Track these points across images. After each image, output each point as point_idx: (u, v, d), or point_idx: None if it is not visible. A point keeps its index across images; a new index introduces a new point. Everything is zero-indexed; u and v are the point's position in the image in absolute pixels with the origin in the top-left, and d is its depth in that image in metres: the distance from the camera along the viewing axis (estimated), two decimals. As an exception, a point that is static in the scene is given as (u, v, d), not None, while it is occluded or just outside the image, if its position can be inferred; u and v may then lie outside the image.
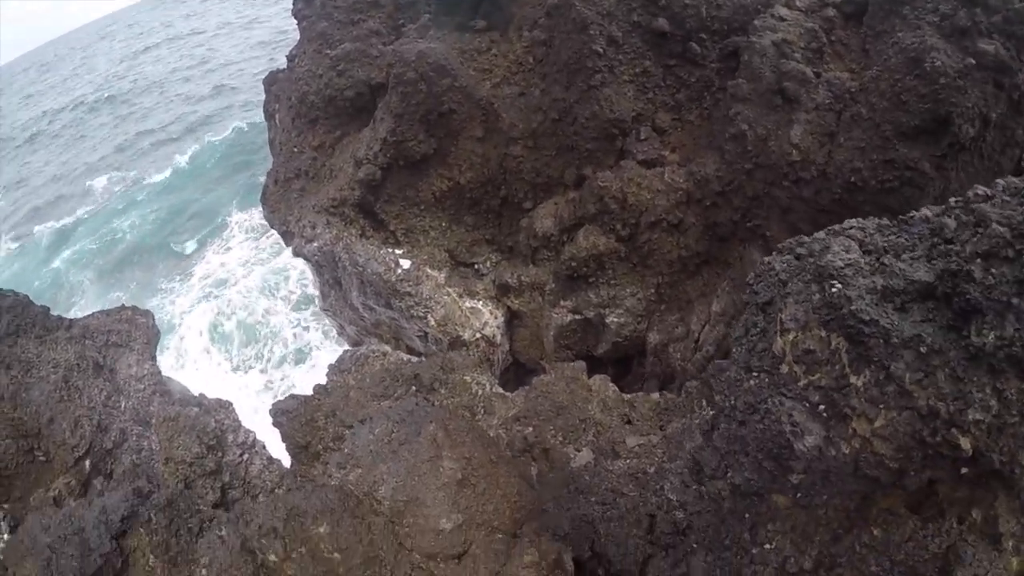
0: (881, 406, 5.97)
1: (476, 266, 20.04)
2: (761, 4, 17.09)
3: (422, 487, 8.37)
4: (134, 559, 8.71)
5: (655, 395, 13.93)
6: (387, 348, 14.20)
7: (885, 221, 7.57)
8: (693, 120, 17.87)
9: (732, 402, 7.75)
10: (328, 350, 28.95)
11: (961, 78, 13.93)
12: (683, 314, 18.26)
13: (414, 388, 11.54)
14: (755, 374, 7.44)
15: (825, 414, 6.56)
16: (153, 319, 15.60)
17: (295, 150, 21.60)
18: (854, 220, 7.75)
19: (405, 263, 18.71)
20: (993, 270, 5.71)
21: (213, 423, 12.50)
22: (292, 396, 12.29)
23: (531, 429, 11.04)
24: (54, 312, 14.70)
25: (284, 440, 12.06)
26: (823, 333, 6.59)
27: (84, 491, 11.98)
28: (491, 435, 11.13)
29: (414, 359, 13.77)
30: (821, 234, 7.68)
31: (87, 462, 12.19)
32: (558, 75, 17.73)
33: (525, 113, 18.32)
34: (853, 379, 6.26)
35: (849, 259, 6.80)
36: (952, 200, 6.83)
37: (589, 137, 17.74)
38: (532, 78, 18.47)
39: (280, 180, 21.86)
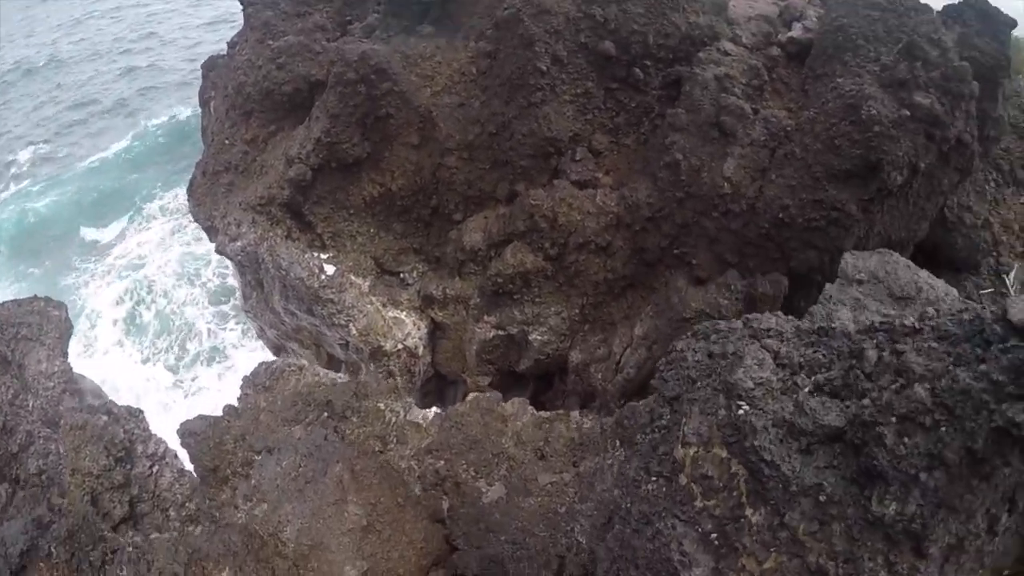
0: (772, 550, 5.87)
1: (402, 275, 19.76)
2: (708, 37, 17.22)
3: (327, 531, 8.18)
4: None
5: (574, 415, 13.96)
6: (304, 363, 13.82)
7: (805, 326, 7.48)
8: (629, 144, 17.92)
9: (628, 505, 7.60)
10: (244, 351, 28.19)
11: (895, 128, 14.30)
12: (606, 335, 18.34)
13: (326, 415, 11.27)
14: (654, 479, 7.35)
15: (716, 543, 6.42)
16: (66, 312, 14.81)
17: (226, 142, 20.96)
18: (773, 319, 7.66)
19: (329, 269, 18.35)
20: (906, 439, 5.50)
21: (122, 433, 11.96)
22: (201, 417, 11.90)
23: (443, 462, 10.90)
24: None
25: (192, 462, 11.66)
26: (724, 454, 6.51)
27: None
28: (402, 466, 10.97)
29: (330, 376, 13.44)
30: (739, 325, 7.64)
31: None
32: (500, 89, 17.58)
33: (463, 124, 18.12)
34: (749, 512, 6.18)
35: (760, 377, 6.70)
36: (878, 321, 6.69)
37: (525, 153, 17.63)
38: (473, 89, 18.27)
39: (208, 172, 21.21)
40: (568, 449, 11.26)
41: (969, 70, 14.95)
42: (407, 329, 18.99)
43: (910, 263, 13.79)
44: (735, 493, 6.37)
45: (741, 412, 6.48)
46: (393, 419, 11.85)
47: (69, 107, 60.65)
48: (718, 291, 15.95)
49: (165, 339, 30.89)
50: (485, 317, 18.62)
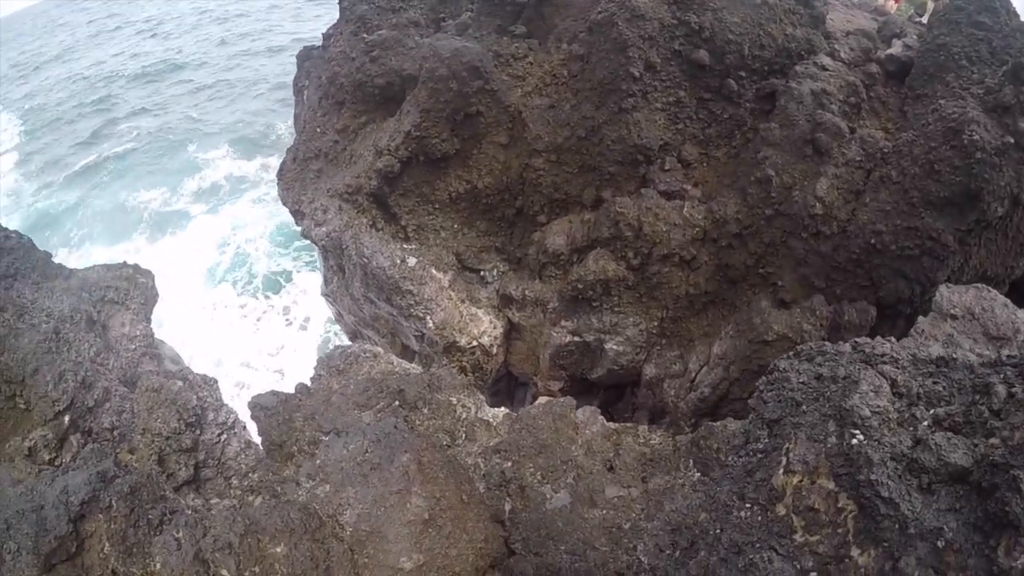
0: None
1: (482, 273, 19.79)
2: (805, 50, 16.76)
3: (387, 520, 8.14)
4: (89, 544, 8.47)
5: (643, 428, 13.71)
6: (379, 350, 13.91)
7: (922, 354, 6.98)
8: (720, 157, 17.55)
9: (718, 531, 7.19)
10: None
11: (998, 155, 13.63)
12: (683, 351, 18.00)
13: (397, 403, 11.31)
14: (748, 505, 6.94)
15: None
16: (153, 280, 15.34)
17: (318, 130, 21.35)
18: (887, 344, 7.13)
19: (411, 261, 18.47)
20: None
21: (195, 400, 12.31)
22: (273, 392, 12.09)
23: (510, 464, 10.81)
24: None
25: (260, 435, 11.87)
26: (832, 486, 6.09)
27: (60, 446, 11.78)
28: (469, 463, 10.93)
29: (403, 366, 13.52)
30: (847, 348, 7.22)
31: (67, 417, 11.93)
32: (591, 93, 17.42)
33: (552, 126, 18.01)
34: (856, 552, 5.75)
35: (878, 406, 6.25)
36: (1004, 355, 6.28)
37: (613, 160, 17.43)
38: (564, 92, 18.16)
39: (299, 158, 21.61)
40: (638, 464, 11.03)
41: (1078, 99, 14.20)
42: (483, 327, 19.00)
43: (1008, 301, 13.11)
44: (841, 530, 5.96)
45: (855, 442, 6.06)
46: (464, 415, 11.82)
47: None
48: (803, 315, 15.45)
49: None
50: (562, 322, 18.49)
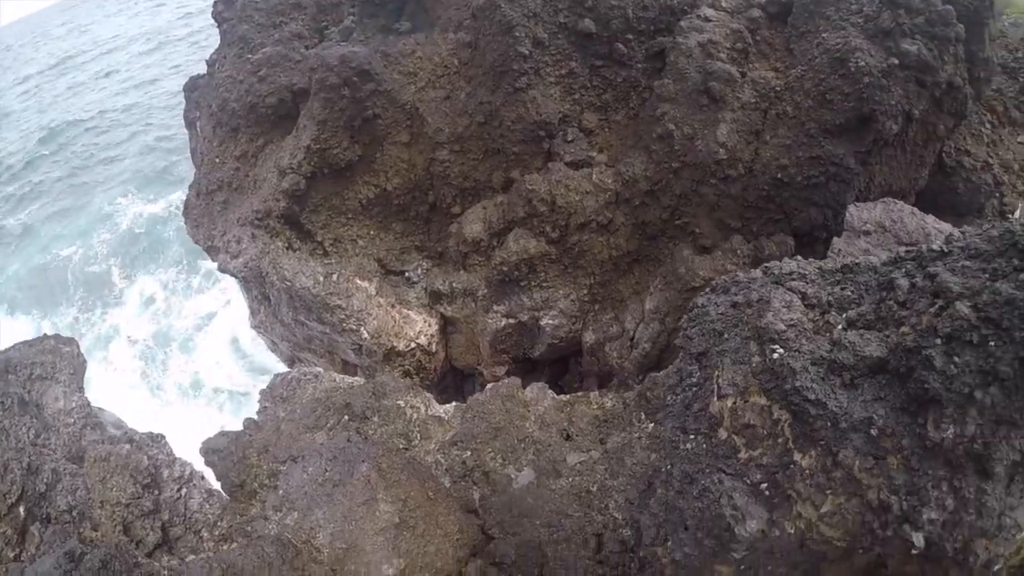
0: (828, 492, 5.72)
1: (407, 274, 19.68)
2: (687, 5, 17.10)
3: (360, 533, 8.12)
4: None
5: (594, 394, 13.90)
6: (319, 370, 13.78)
7: (828, 266, 7.35)
8: (620, 120, 17.82)
9: (669, 467, 7.43)
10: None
11: (885, 77, 14.28)
12: (617, 313, 18.28)
13: (346, 418, 11.23)
14: (691, 436, 7.21)
15: (767, 494, 6.27)
16: (78, 347, 14.84)
17: (216, 160, 20.83)
18: (794, 263, 7.55)
19: (333, 276, 18.27)
20: (956, 358, 5.34)
21: (146, 460, 11.98)
22: (222, 433, 11.88)
23: (469, 453, 10.87)
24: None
25: (218, 479, 11.65)
26: (764, 401, 6.38)
27: (22, 539, 11.31)
28: (429, 461, 10.94)
29: (347, 381, 13.41)
30: (758, 274, 7.54)
31: (21, 508, 11.46)
32: (484, 77, 17.49)
33: (451, 117, 18.03)
34: (798, 457, 6.04)
35: (791, 319, 6.58)
36: (902, 251, 6.61)
37: (516, 140, 17.55)
38: (458, 81, 18.17)
39: (202, 192, 21.10)
40: (593, 427, 11.23)
41: (953, 13, 14.98)
42: (418, 327, 18.93)
43: (915, 209, 13.75)
44: (780, 439, 6.23)
45: (776, 356, 6.35)
46: (415, 415, 11.81)
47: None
48: (724, 257, 15.88)
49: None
50: (494, 307, 18.58)
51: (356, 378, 14.56)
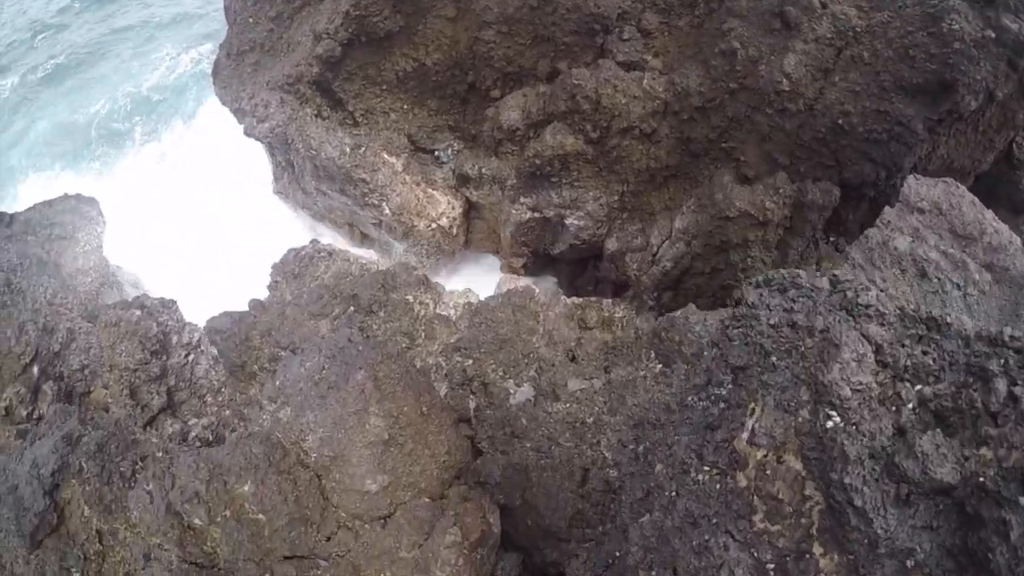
0: None
1: (436, 153, 19.13)
2: (776, -88, 15.70)
3: (348, 443, 8.10)
4: (69, 511, 8.46)
5: (607, 302, 13.66)
6: (335, 247, 13.61)
7: (911, 308, 6.24)
8: (682, 27, 16.64)
9: (672, 492, 6.83)
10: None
11: (977, 48, 13.13)
12: (644, 225, 17.82)
13: (352, 309, 11.08)
14: (706, 468, 6.53)
15: None
16: (99, 207, 14.98)
17: (250, 20, 19.86)
18: (873, 291, 6.31)
19: (361, 148, 17.77)
20: None
21: (155, 327, 12.14)
22: (226, 313, 11.84)
23: (471, 362, 10.76)
24: None
25: (220, 358, 11.70)
26: (800, 468, 5.62)
27: (35, 398, 11.70)
28: (430, 363, 10.85)
29: (359, 262, 13.24)
30: (826, 285, 6.37)
31: (35, 368, 11.83)
32: (544, -45, 16.34)
33: (502, -5, 16.98)
34: (818, 551, 5.37)
35: (860, 383, 5.61)
36: (1007, 333, 5.58)
37: (568, 29, 16.54)
38: (515, -45, 17.02)
39: (233, 53, 20.25)
40: (600, 353, 11.04)
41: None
42: (441, 208, 18.58)
43: (975, 199, 12.97)
44: (805, 521, 5.58)
45: (831, 425, 5.57)
46: (422, 312, 11.68)
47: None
48: (765, 193, 15.24)
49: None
50: (521, 199, 18.12)
51: (369, 256, 14.38)
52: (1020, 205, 17.47)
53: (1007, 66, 13.56)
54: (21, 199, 33.03)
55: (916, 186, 11.42)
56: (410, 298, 11.66)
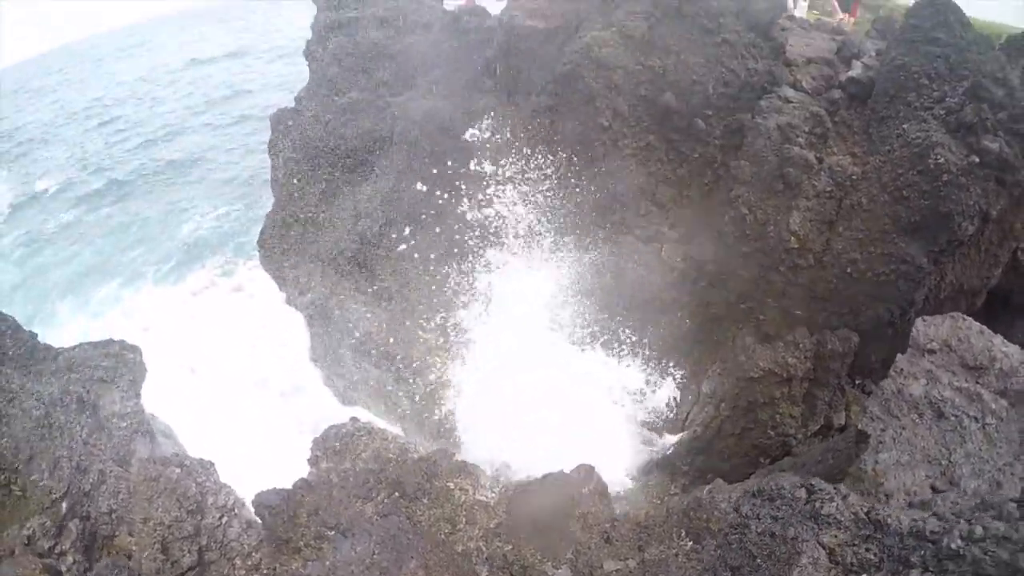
0: None
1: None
2: (768, 82, 16.94)
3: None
4: None
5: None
6: (372, 425, 14.15)
7: (863, 512, 7.38)
8: (693, 196, 17.75)
9: None
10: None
11: (964, 176, 13.84)
12: (672, 391, 18.21)
13: (397, 495, 11.54)
14: None
15: None
16: (141, 355, 15.59)
17: (295, 195, 21.50)
18: (836, 500, 7.46)
19: (396, 324, 18.61)
20: None
21: (194, 487, 12.62)
22: (275, 491, 12.31)
23: (511, 547, 11.02)
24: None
25: (265, 530, 12.09)
26: None
27: (59, 532, 12.07)
28: (471, 547, 11.12)
29: (398, 443, 13.73)
30: (803, 495, 7.39)
31: (64, 504, 12.29)
32: (563, 145, 17.63)
33: (524, 178, 18.23)
34: None
35: None
36: (929, 530, 6.50)
37: (587, 209, 17.67)
38: (536, 144, 18.36)
39: (278, 223, 21.79)
40: (633, 535, 11.24)
41: (1037, 108, 14.41)
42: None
43: (984, 328, 13.34)
44: None
45: None
46: (463, 498, 12.02)
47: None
48: (786, 349, 15.68)
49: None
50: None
51: (408, 441, 14.85)
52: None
53: (996, 184, 14.08)
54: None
55: (924, 328, 11.86)
56: (451, 485, 12.07)
